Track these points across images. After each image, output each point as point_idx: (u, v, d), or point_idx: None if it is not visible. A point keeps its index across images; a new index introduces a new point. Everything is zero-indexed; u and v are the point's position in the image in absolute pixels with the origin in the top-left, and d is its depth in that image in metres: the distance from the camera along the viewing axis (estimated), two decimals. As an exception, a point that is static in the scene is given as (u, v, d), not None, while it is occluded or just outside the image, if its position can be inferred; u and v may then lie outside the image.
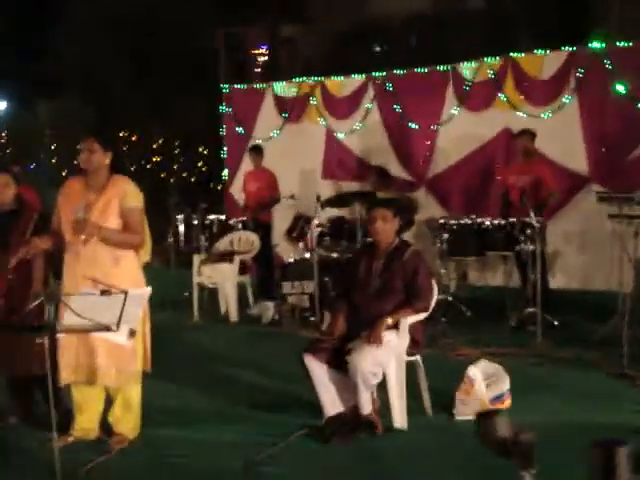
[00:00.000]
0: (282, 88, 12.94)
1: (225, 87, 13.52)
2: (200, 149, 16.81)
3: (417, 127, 11.56)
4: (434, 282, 5.86)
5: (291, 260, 9.56)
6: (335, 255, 9.32)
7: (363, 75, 12.14)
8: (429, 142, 11.52)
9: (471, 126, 11.14)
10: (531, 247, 7.95)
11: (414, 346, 5.62)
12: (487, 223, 8.20)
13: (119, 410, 5.49)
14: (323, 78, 12.55)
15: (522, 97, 10.80)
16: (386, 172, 10.25)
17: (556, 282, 9.53)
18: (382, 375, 5.39)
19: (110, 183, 5.38)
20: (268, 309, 9.33)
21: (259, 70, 22.13)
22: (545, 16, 20.33)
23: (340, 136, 12.30)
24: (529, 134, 9.07)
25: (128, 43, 18.40)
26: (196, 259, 9.71)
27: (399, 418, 5.50)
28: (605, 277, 9.80)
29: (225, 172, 13.61)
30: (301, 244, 9.61)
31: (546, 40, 13.01)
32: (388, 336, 5.40)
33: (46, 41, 21.17)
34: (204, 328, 9.27)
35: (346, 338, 5.54)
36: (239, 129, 13.23)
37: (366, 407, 5.40)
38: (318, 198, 9.13)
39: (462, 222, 8.34)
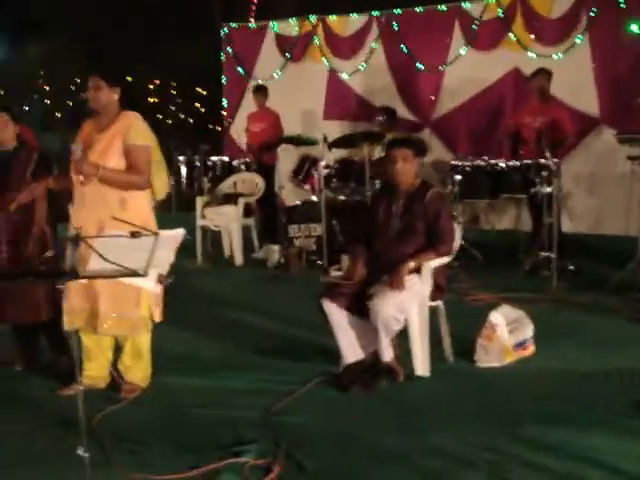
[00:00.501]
0: (283, 27, 12.56)
1: (224, 27, 13.12)
2: (197, 90, 16.40)
3: (423, 67, 11.25)
4: (456, 225, 5.63)
5: (297, 202, 9.32)
6: (343, 197, 9.08)
7: (367, 14, 11.77)
8: (435, 82, 11.22)
9: (479, 66, 10.85)
10: (547, 189, 7.71)
11: (436, 291, 5.41)
12: (501, 165, 7.94)
13: (128, 358, 5.27)
14: (325, 16, 12.17)
15: (532, 36, 10.51)
16: (394, 112, 9.96)
17: (566, 226, 9.31)
18: (404, 321, 5.19)
19: (116, 120, 5.09)
20: (274, 252, 9.11)
21: (253, 8, 21.67)
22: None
23: (344, 76, 11.98)
24: (545, 73, 8.79)
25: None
26: (199, 202, 9.46)
27: (421, 366, 5.30)
28: (617, 221, 9.63)
29: (224, 113, 13.26)
30: (307, 186, 9.36)
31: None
32: (411, 280, 5.18)
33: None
34: (209, 272, 9.06)
35: (366, 283, 5.32)
36: (239, 69, 12.86)
37: (387, 354, 5.21)
38: (325, 139, 8.85)
39: (475, 164, 8.09)
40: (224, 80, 13.20)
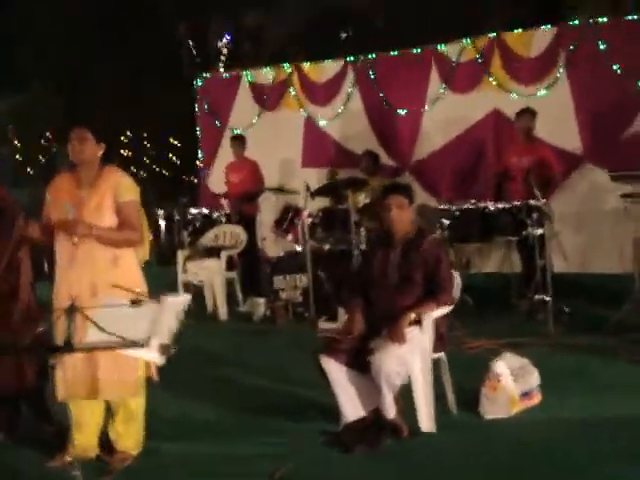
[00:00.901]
0: (257, 75, 12.43)
1: (198, 78, 12.97)
2: (171, 141, 16.20)
3: (401, 111, 11.13)
4: (454, 272, 5.44)
5: (281, 253, 9.12)
6: (328, 246, 8.89)
7: (342, 60, 11.67)
8: (414, 125, 11.10)
9: (457, 108, 10.71)
10: (538, 231, 7.57)
11: (438, 342, 5.20)
12: (491, 207, 7.78)
13: (121, 425, 5.00)
14: (299, 63, 12.07)
15: (510, 77, 10.42)
16: (377, 157, 9.83)
17: (557, 266, 9.16)
18: (407, 375, 4.97)
19: (102, 176, 4.89)
20: (259, 305, 8.88)
21: (224, 59, 21.60)
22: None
23: (321, 123, 11.83)
24: (530, 113, 8.72)
25: (84, 36, 17.65)
26: (180, 255, 9.24)
27: (426, 421, 5.08)
28: (608, 259, 9.48)
29: (200, 164, 13.07)
30: (290, 236, 9.15)
31: (519, 20, 12.72)
32: (412, 333, 4.98)
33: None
34: (193, 327, 8.68)
35: (365, 336, 5.11)
36: (215, 120, 12.68)
37: (390, 410, 4.98)
38: (308, 187, 8.69)
39: (464, 207, 7.92)
40: (199, 130, 13.00)
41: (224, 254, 9.12)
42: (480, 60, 10.56)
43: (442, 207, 8.14)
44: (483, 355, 6.38)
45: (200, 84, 12.93)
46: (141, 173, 15.81)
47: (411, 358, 4.95)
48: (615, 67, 9.61)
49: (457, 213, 7.85)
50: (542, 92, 10.16)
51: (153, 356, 2.80)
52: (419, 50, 11.02)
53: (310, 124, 11.93)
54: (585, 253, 9.92)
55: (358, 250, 8.53)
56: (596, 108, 9.87)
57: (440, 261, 5.17)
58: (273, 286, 8.89)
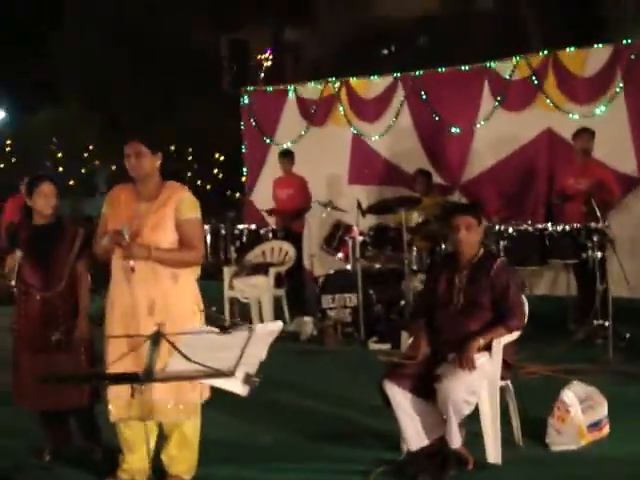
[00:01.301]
0: (303, 90, 12.30)
1: (244, 93, 12.85)
2: (216, 155, 16.09)
3: (452, 128, 10.93)
4: (524, 297, 5.23)
5: (330, 271, 8.93)
6: (378, 265, 8.70)
7: (390, 76, 11.50)
8: (465, 144, 10.90)
9: (510, 127, 10.51)
10: (599, 254, 7.33)
11: (505, 369, 4.98)
12: (550, 229, 7.56)
13: (175, 448, 4.81)
14: (347, 78, 11.91)
15: (565, 95, 10.19)
16: (431, 176, 9.65)
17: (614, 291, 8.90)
18: (474, 404, 4.76)
19: (163, 191, 4.73)
20: (307, 325, 8.69)
21: (263, 75, 21.54)
22: (554, 15, 19.90)
23: (369, 139, 11.65)
24: (589, 133, 8.51)
25: (128, 48, 17.69)
26: (227, 272, 9.09)
27: (493, 452, 4.86)
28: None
29: (243, 179, 12.94)
30: (340, 254, 8.95)
31: (555, 39, 12.53)
32: (480, 359, 4.77)
33: (44, 46, 20.47)
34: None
35: (429, 362, 4.91)
36: (264, 138, 12.53)
37: (456, 440, 4.77)
38: (359, 205, 8.52)
39: (522, 228, 7.71)
40: (244, 145, 12.88)
41: (272, 271, 8.95)
42: (533, 78, 10.33)
43: (498, 228, 7.91)
44: (541, 382, 6.17)
45: (246, 99, 12.80)
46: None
47: (479, 386, 4.74)
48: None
49: (514, 234, 7.62)
50: (597, 112, 9.91)
51: (237, 387, 2.61)
52: (467, 67, 10.82)
53: (358, 140, 11.77)
54: (637, 278, 9.63)
55: (409, 270, 8.35)
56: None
57: (509, 285, 4.97)
58: (321, 305, 8.69)
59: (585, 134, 8.50)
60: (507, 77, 10.55)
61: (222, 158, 15.99)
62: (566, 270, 8.47)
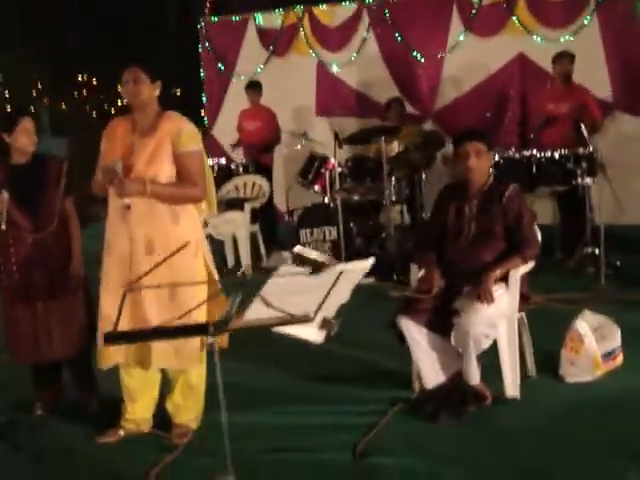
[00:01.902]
0: (266, 19, 11.84)
1: (201, 21, 12.35)
2: (173, 90, 15.52)
3: (420, 56, 10.62)
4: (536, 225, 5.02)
5: (308, 205, 8.66)
6: (357, 197, 8.43)
7: (354, 2, 11.11)
8: (435, 71, 10.62)
9: (481, 53, 10.24)
10: (588, 180, 7.17)
11: (521, 301, 4.79)
12: (538, 155, 7.35)
13: (180, 396, 4.54)
14: (310, 6, 11.48)
15: (537, 19, 9.95)
16: (403, 104, 9.36)
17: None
18: (493, 337, 4.58)
19: (160, 122, 4.37)
20: (285, 260, 8.42)
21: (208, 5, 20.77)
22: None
23: (334, 69, 11.30)
24: (568, 56, 8.29)
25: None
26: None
27: (511, 386, 4.69)
28: (637, 210, 9.10)
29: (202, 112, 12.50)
30: (317, 187, 8.65)
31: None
32: (497, 291, 4.57)
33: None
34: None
35: (442, 295, 4.70)
36: (219, 65, 12.11)
37: (475, 376, 4.60)
38: (337, 135, 8.20)
39: (508, 156, 7.49)
40: (203, 78, 12.41)
41: (248, 206, 8.61)
42: (504, 1, 10.06)
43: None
44: (542, 312, 6.01)
45: (204, 28, 12.30)
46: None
47: (498, 319, 4.55)
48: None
49: (500, 161, 7.40)
50: (570, 36, 9.71)
51: (312, 333, 2.34)
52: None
53: (323, 70, 11.40)
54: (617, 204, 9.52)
55: (389, 201, 8.12)
56: (628, 54, 9.45)
57: (522, 213, 4.77)
58: (299, 239, 8.43)
59: (565, 58, 8.29)
60: (477, 1, 10.25)
61: (178, 92, 15.43)
62: (551, 198, 8.30)
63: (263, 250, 8.88)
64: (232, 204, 8.66)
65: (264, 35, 11.78)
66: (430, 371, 4.68)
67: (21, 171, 4.76)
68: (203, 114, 12.57)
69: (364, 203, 8.42)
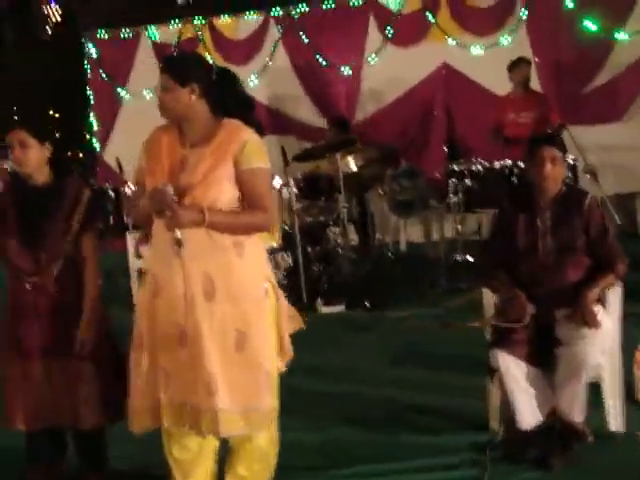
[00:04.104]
0: (159, 33, 10.98)
1: (87, 37, 11.31)
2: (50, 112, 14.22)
3: (336, 69, 10.08)
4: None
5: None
6: (310, 219, 7.72)
7: (261, 14, 10.45)
8: (352, 85, 10.11)
9: (401, 64, 9.82)
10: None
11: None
12: (520, 165, 6.93)
13: (244, 467, 3.65)
14: (211, 19, 10.73)
15: (461, 26, 9.64)
16: (346, 123, 8.80)
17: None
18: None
19: (218, 132, 3.49)
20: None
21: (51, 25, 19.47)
22: None
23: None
24: (526, 62, 7.98)
25: None
26: (130, 238, 7.78)
27: (616, 419, 4.15)
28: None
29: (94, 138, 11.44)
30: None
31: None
32: (598, 314, 4.03)
33: None
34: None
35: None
36: (119, 90, 11.11)
37: (582, 412, 4.01)
38: (284, 152, 7.48)
39: (489, 167, 7.03)
40: (92, 99, 11.38)
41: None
42: (425, 9, 9.70)
43: (455, 168, 7.19)
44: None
45: (91, 47, 11.27)
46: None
47: (607, 345, 4.01)
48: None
49: (480, 174, 6.93)
50: (503, 40, 9.45)
51: None
52: (358, 2, 9.98)
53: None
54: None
55: (347, 221, 7.51)
56: (557, 60, 9.28)
57: (606, 225, 4.24)
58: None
59: (523, 63, 7.99)
60: (395, 9, 9.84)
61: (57, 115, 14.16)
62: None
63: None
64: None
65: (159, 50, 10.90)
66: (527, 410, 4.05)
67: (33, 195, 3.83)
68: (89, 137, 11.54)
69: (317, 225, 7.72)
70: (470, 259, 7.28)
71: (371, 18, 9.96)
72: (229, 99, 3.59)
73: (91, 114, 11.40)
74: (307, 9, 10.20)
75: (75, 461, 4.10)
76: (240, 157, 3.44)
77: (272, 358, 3.54)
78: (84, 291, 3.83)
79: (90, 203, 3.86)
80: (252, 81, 10.38)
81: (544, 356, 4.01)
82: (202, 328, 3.39)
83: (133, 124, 10.03)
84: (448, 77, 9.71)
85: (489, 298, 4.40)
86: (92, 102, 11.37)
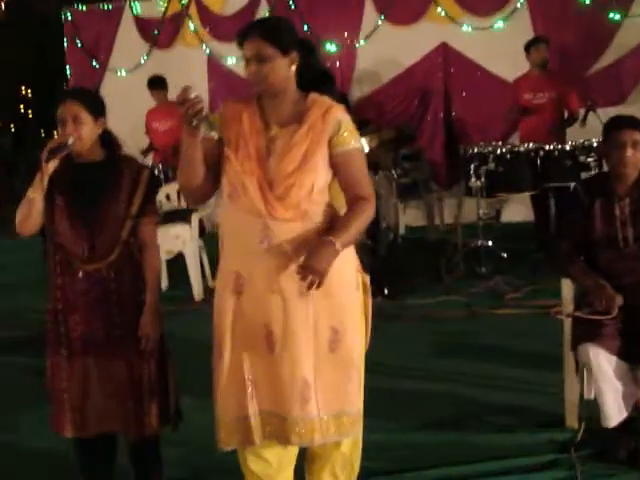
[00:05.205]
0: (143, 7, 10.56)
1: (66, 11, 10.84)
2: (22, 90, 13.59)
3: (331, 45, 9.79)
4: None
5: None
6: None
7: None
8: (347, 63, 9.82)
9: (398, 42, 9.56)
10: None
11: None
12: (546, 148, 6.72)
13: (330, 475, 3.36)
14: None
15: (462, 6, 9.40)
16: (346, 98, 8.50)
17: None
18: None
19: (309, 109, 3.12)
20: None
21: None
22: None
23: (229, 62, 10.22)
24: (544, 42, 7.75)
25: None
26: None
27: None
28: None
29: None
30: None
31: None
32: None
33: None
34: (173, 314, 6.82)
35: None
36: (94, 63, 10.67)
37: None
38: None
39: (514, 150, 6.81)
40: (70, 75, 10.92)
41: (195, 217, 7.32)
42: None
43: (475, 150, 6.95)
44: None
45: (69, 19, 10.80)
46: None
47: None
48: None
49: (504, 157, 6.70)
50: (501, 23, 9.23)
51: None
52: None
53: (215, 63, 10.31)
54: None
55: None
56: (561, 42, 9.09)
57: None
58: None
59: (541, 43, 7.75)
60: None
61: (29, 93, 13.55)
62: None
63: (208, 268, 7.62)
64: (173, 216, 7.37)
65: (143, 25, 10.50)
66: (614, 406, 3.83)
67: (84, 172, 3.42)
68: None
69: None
70: (490, 244, 7.02)
71: (367, -6, 9.65)
72: (309, 71, 3.26)
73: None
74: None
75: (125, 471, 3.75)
76: (336, 138, 3.10)
77: (362, 356, 3.27)
78: (143, 281, 3.50)
79: (149, 184, 3.50)
80: (241, 59, 9.95)
81: (631, 349, 3.80)
82: (295, 328, 3.07)
83: (114, 100, 9.59)
84: (447, 58, 9.46)
85: (568, 288, 4.18)
86: (69, 76, 10.88)
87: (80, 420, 3.48)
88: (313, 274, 2.91)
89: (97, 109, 3.45)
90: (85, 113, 3.37)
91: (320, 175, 3.10)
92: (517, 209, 8.77)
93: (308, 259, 2.93)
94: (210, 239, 7.66)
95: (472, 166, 6.71)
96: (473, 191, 6.78)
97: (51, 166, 3.29)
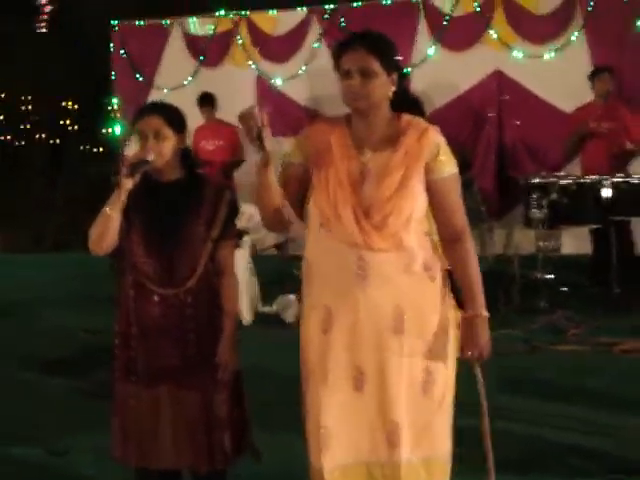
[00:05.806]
0: (194, 25, 10.47)
1: (115, 26, 10.77)
2: (65, 103, 13.56)
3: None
4: None
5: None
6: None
7: (304, 8, 9.99)
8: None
9: (452, 68, 9.39)
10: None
11: None
12: (612, 181, 6.53)
13: None
14: (249, 12, 10.24)
15: (517, 33, 9.23)
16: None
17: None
18: None
19: (404, 132, 2.94)
20: (291, 305, 7.09)
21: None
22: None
23: (278, 83, 10.10)
24: (608, 72, 7.59)
25: None
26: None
27: None
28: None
29: (118, 130, 10.88)
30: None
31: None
32: None
33: None
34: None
35: None
36: (137, 76, 10.59)
37: None
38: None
39: (579, 182, 6.62)
40: (116, 91, 10.84)
41: (248, 239, 7.15)
42: (479, 12, 9.29)
43: (538, 180, 6.77)
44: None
45: (119, 33, 10.74)
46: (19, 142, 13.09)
47: None
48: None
49: (569, 189, 6.51)
50: (554, 53, 9.06)
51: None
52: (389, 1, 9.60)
53: (263, 84, 10.19)
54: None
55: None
56: (618, 74, 8.86)
57: None
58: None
59: (605, 73, 7.60)
60: (448, 11, 9.42)
61: (76, 106, 13.49)
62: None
63: (258, 291, 7.45)
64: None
65: (192, 43, 10.41)
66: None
67: (163, 192, 3.27)
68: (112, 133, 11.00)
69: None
70: (550, 277, 6.80)
71: (422, 18, 9.51)
72: (400, 95, 3.08)
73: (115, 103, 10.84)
74: (355, 4, 9.73)
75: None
76: (434, 163, 2.93)
77: (452, 396, 3.07)
78: (218, 308, 3.32)
79: (231, 206, 3.34)
80: (291, 79, 9.90)
81: None
82: (388, 367, 2.89)
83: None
84: (501, 85, 9.28)
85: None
86: (116, 97, 10.81)
87: (148, 451, 3.30)
88: (480, 350, 2.97)
89: (179, 124, 3.30)
90: (167, 128, 3.23)
91: (418, 202, 2.93)
92: (571, 242, 8.53)
93: (467, 341, 2.97)
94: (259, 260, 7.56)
95: (534, 196, 6.49)
96: (533, 222, 6.57)
97: (130, 182, 3.13)
